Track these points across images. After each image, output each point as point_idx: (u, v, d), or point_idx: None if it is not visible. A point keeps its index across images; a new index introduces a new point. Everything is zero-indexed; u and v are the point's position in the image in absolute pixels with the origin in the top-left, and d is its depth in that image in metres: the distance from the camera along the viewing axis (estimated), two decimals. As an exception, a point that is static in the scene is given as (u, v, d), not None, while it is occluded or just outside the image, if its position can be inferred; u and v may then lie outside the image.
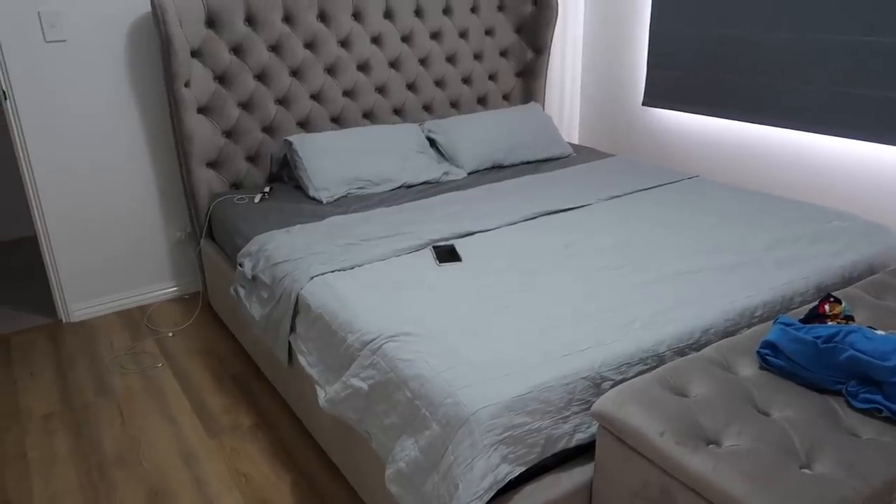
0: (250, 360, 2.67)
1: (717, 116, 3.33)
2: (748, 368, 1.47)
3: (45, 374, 2.62)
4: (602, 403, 1.37)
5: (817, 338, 1.35)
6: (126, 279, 3.13)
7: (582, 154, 3.41)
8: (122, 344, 2.83)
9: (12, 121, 2.73)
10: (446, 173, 3.04)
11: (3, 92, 2.69)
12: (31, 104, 2.73)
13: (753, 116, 3.17)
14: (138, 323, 3.01)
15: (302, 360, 1.95)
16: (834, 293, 1.65)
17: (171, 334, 2.90)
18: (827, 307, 1.47)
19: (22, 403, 2.44)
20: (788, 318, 1.46)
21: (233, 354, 2.73)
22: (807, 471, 1.17)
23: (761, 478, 1.14)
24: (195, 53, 2.79)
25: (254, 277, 2.28)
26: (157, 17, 2.62)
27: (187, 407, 2.38)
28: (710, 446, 1.23)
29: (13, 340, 2.89)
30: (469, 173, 3.12)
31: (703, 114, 3.40)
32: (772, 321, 1.65)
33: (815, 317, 1.49)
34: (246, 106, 2.97)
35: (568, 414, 1.48)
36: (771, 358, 1.42)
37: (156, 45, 2.91)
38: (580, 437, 1.49)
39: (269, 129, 3.05)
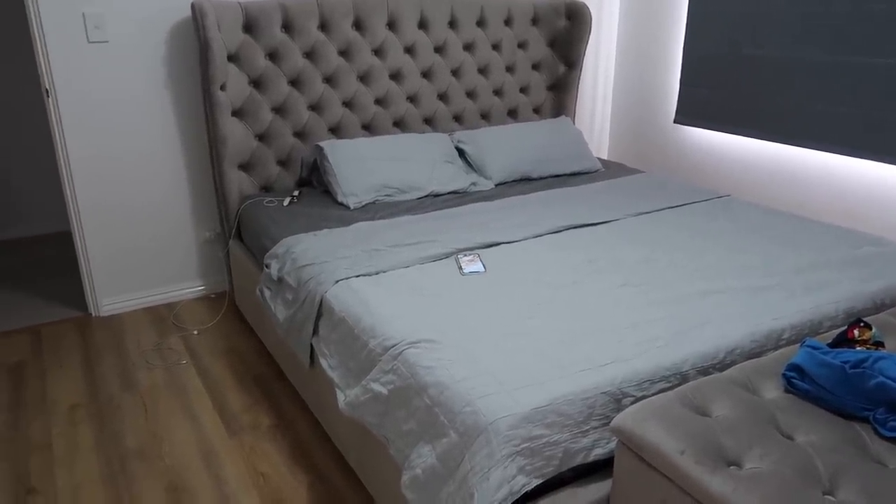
0: (272, 361, 2.70)
1: (750, 136, 3.30)
2: (773, 391, 1.45)
3: (74, 366, 2.67)
4: (622, 419, 1.36)
5: (845, 363, 1.33)
6: (155, 276, 3.19)
7: (611, 169, 3.40)
8: (149, 340, 2.88)
9: (53, 118, 2.80)
10: (474, 184, 3.05)
11: (47, 89, 2.76)
12: (72, 102, 2.81)
13: (786, 137, 3.13)
14: (165, 320, 3.06)
15: (323, 362, 1.97)
16: (864, 318, 1.62)
17: (196, 332, 2.94)
18: (856, 332, 1.44)
19: (49, 394, 2.49)
20: (816, 342, 1.44)
21: (256, 354, 2.76)
22: (830, 497, 1.15)
23: (782, 502, 1.12)
24: (232, 58, 2.85)
25: (280, 279, 2.30)
26: (197, 22, 2.68)
27: (209, 405, 2.41)
28: (731, 468, 1.22)
29: (44, 332, 2.95)
30: (496, 184, 3.13)
31: (735, 133, 3.37)
32: (798, 344, 1.63)
33: (843, 341, 1.46)
34: (279, 110, 3.02)
35: (587, 428, 1.47)
36: (796, 381, 1.40)
37: (194, 49, 2.97)
38: (599, 452, 1.47)
39: (300, 134, 3.09)
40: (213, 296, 3.30)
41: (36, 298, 3.26)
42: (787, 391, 1.43)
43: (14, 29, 3.80)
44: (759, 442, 1.27)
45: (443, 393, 1.50)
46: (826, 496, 1.15)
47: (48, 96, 2.77)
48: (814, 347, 1.41)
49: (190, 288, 3.28)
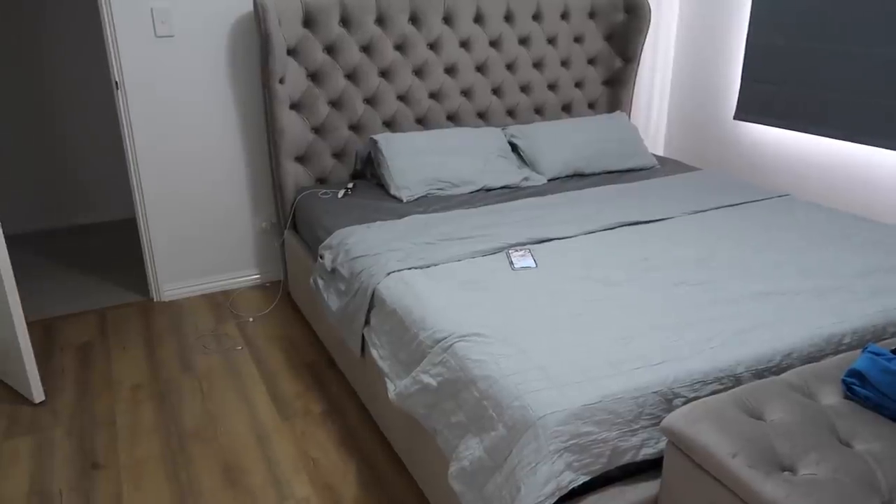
0: (324, 350, 2.76)
1: (813, 133, 3.19)
2: (831, 397, 1.41)
3: (136, 348, 2.79)
4: (673, 419, 1.34)
5: (910, 370, 1.28)
6: (213, 264, 3.29)
7: (667, 166, 3.34)
8: (206, 325, 2.98)
9: (122, 109, 2.91)
10: (526, 178, 3.04)
11: (116, 82, 2.88)
12: (139, 95, 2.92)
13: (851, 135, 3.02)
14: (222, 306, 3.15)
15: (374, 352, 2.00)
16: (932, 325, 1.55)
17: (251, 319, 3.02)
18: (923, 339, 1.39)
19: (114, 374, 2.60)
20: (878, 348, 1.39)
21: (308, 343, 2.82)
22: (889, 508, 1.12)
23: (838, 510, 1.09)
24: (291, 52, 2.91)
25: (333, 270, 2.35)
26: (258, 16, 2.75)
27: (263, 389, 2.48)
28: (785, 473, 1.19)
29: (109, 315, 3.09)
30: (549, 180, 3.11)
31: (797, 130, 3.26)
32: (859, 350, 1.58)
33: (908, 348, 1.41)
34: (335, 104, 3.07)
35: (636, 427, 1.46)
36: (857, 388, 1.36)
37: (255, 43, 3.04)
38: (647, 452, 1.46)
39: (355, 128, 3.14)
40: (267, 284, 3.39)
41: (103, 282, 3.41)
42: (846, 398, 1.39)
43: (86, 23, 3.97)
44: (816, 448, 1.24)
45: (492, 387, 1.51)
46: (885, 506, 1.12)
47: (117, 89, 2.89)
48: (876, 353, 1.36)
49: (246, 276, 3.38)
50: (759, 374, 1.59)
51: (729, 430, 1.28)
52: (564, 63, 3.57)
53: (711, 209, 2.66)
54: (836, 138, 3.10)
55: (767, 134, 3.46)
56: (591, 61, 3.64)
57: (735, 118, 3.57)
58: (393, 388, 1.85)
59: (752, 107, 3.46)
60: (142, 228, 3.11)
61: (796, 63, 3.19)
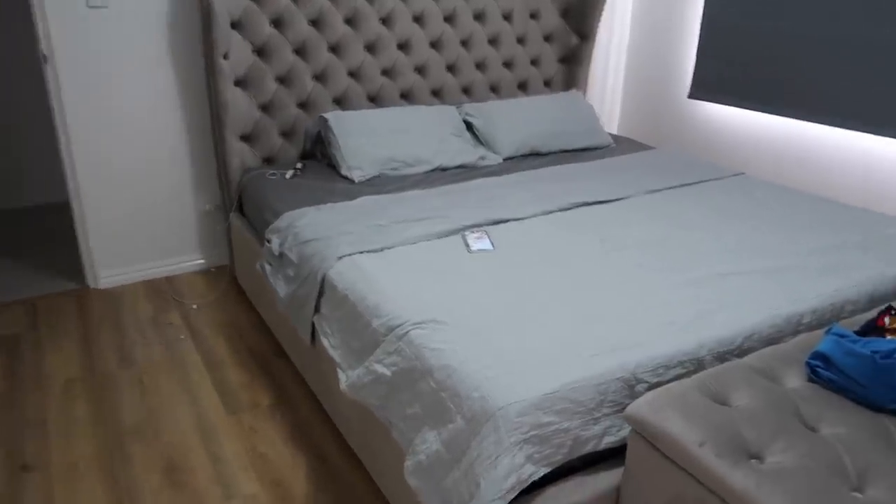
0: (273, 337, 2.64)
1: (767, 112, 3.19)
2: (795, 379, 1.38)
3: (70, 340, 2.62)
4: (637, 407, 1.29)
5: (875, 352, 1.25)
6: (154, 249, 3.12)
7: (622, 145, 3.30)
8: (147, 314, 2.82)
9: (51, 85, 2.71)
10: (482, 158, 2.96)
11: (44, 55, 2.67)
12: (71, 69, 2.72)
13: (805, 114, 3.03)
14: (164, 293, 3.00)
15: (325, 341, 1.91)
16: None
17: (195, 307, 2.88)
18: (887, 320, 1.37)
19: (45, 368, 2.44)
20: (843, 329, 1.36)
21: (256, 330, 2.70)
22: (858, 495, 1.09)
23: (808, 499, 1.06)
24: (235, 25, 2.75)
25: (281, 255, 2.23)
26: (197, -15, 2.58)
27: (208, 382, 2.36)
28: (753, 461, 1.15)
29: (40, 304, 2.90)
30: (505, 159, 3.04)
31: (752, 109, 3.26)
32: (819, 330, 1.56)
33: (872, 329, 1.39)
34: (283, 80, 2.93)
35: (598, 415, 1.40)
36: (821, 370, 1.33)
37: (196, 15, 2.87)
38: (609, 440, 1.41)
39: (304, 105, 3.00)
40: (212, 270, 3.24)
41: (33, 270, 3.20)
42: (810, 380, 1.36)
43: (11, -8, 3.70)
44: (783, 434, 1.20)
45: (449, 377, 1.44)
46: (854, 493, 1.09)
47: (45, 62, 2.69)
48: (841, 335, 1.34)
49: (189, 261, 3.22)
50: (722, 356, 1.56)
51: (695, 417, 1.23)
52: (520, 40, 3.48)
53: (668, 188, 2.63)
54: (789, 117, 3.11)
55: (721, 113, 3.45)
56: (547, 38, 3.57)
57: (690, 97, 3.56)
58: (345, 379, 1.76)
59: (707, 86, 3.45)
60: (75, 212, 2.92)
61: (751, 42, 3.18)
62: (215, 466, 1.96)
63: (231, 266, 3.15)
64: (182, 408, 2.22)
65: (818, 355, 1.34)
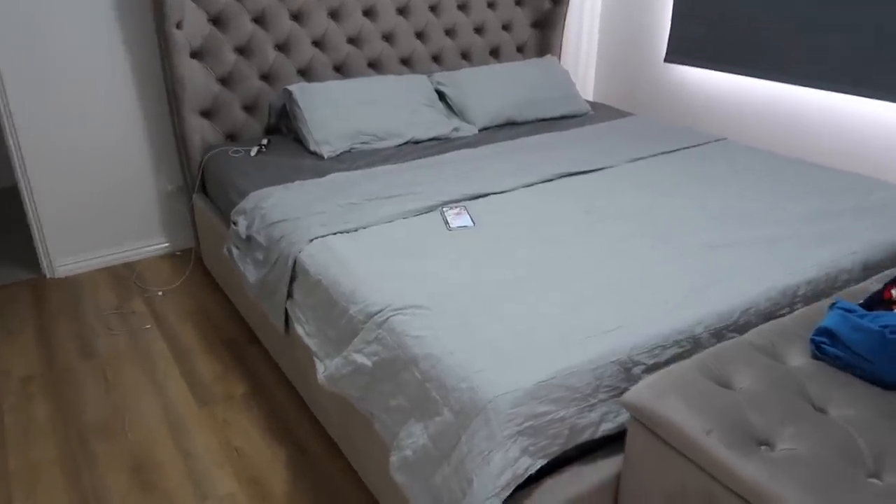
0: (244, 323, 2.52)
1: (747, 75, 3.11)
2: (798, 357, 1.31)
3: (26, 334, 2.47)
4: (637, 394, 1.22)
5: (884, 327, 1.19)
6: (114, 233, 2.96)
7: (600, 112, 3.21)
8: (109, 303, 2.67)
9: (-11, 60, 2.52)
10: (456, 129, 2.84)
11: (-22, 27, 2.47)
12: (11, 45, 2.52)
13: (786, 76, 2.96)
14: (126, 280, 2.84)
15: (299, 329, 1.80)
16: None
17: (160, 293, 2.74)
18: (894, 292, 1.31)
19: (0, 364, 2.29)
20: (848, 303, 1.30)
21: (226, 316, 2.57)
22: (876, 481, 1.02)
23: (825, 489, 0.99)
24: (187, -10, 2.56)
25: (248, 238, 2.11)
26: (145, -52, 2.39)
27: (176, 373, 2.24)
28: (763, 448, 1.08)
29: (-6, 296, 2.73)
30: (480, 130, 2.92)
31: (731, 72, 3.18)
32: (818, 303, 1.50)
33: (878, 302, 1.33)
34: (243, 51, 2.76)
35: (595, 401, 1.33)
36: (827, 346, 1.26)
37: (145, -19, 2.68)
38: (607, 427, 1.34)
39: (267, 77, 2.84)
40: (178, 253, 3.09)
41: (-15, 259, 3.02)
42: (814, 357, 1.30)
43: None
44: (792, 418, 1.13)
45: (434, 366, 1.35)
46: (871, 479, 1.03)
47: (-19, 35, 2.48)
48: (847, 310, 1.27)
49: (153, 245, 3.06)
50: (719, 333, 1.49)
51: (698, 403, 1.16)
52: (491, 4, 3.34)
53: (649, 156, 2.55)
54: (770, 80, 3.04)
55: (699, 76, 3.37)
56: (518, 2, 3.43)
57: (666, 60, 3.47)
58: (322, 370, 1.66)
59: (683, 48, 3.36)
60: (25, 197, 2.74)
61: (728, 1, 3.08)
62: (187, 463, 1.85)
63: (197, 249, 3.01)
64: (149, 402, 2.10)
65: (823, 331, 1.27)
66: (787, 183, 2.26)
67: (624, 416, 1.34)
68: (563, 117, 3.10)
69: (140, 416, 2.04)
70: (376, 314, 1.52)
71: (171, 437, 1.95)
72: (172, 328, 2.49)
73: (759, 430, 1.12)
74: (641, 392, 1.21)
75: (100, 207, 2.89)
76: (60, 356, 2.33)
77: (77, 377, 2.22)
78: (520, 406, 1.24)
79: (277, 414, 2.05)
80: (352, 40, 2.99)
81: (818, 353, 1.29)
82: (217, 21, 2.66)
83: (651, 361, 1.39)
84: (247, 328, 2.49)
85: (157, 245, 3.07)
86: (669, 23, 3.39)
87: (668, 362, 1.41)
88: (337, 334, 1.65)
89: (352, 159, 2.52)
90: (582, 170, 2.36)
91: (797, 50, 2.87)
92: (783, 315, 1.60)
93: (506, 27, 3.45)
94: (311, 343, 1.74)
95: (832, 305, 1.31)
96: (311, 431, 1.98)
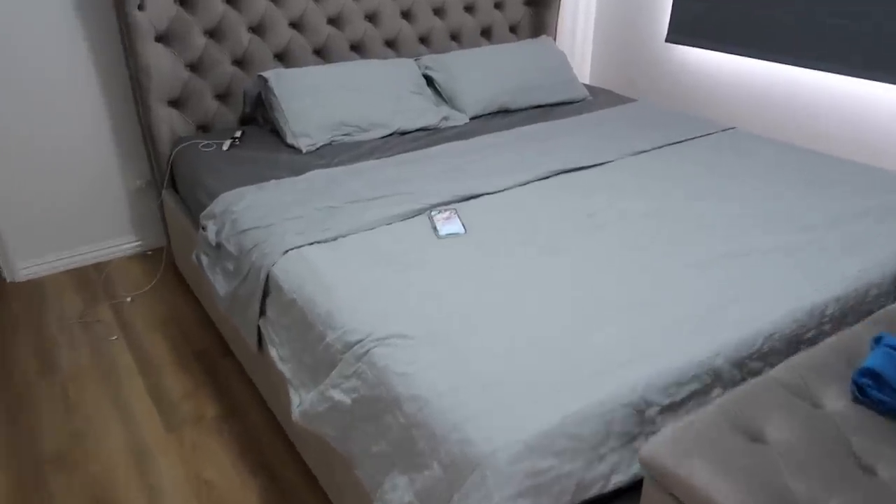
0: (218, 334, 2.34)
1: (754, 57, 2.92)
2: (836, 399, 1.15)
3: (-17, 345, 2.29)
4: (655, 449, 1.05)
5: (941, 371, 1.03)
6: (80, 232, 2.76)
7: (599, 98, 3.01)
8: (74, 309, 2.48)
9: (-69, 46, 2.29)
10: (446, 118, 2.64)
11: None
12: (-46, 26, 2.30)
13: (796, 58, 2.76)
14: (94, 284, 2.65)
15: (273, 352, 1.62)
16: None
17: (129, 299, 2.55)
18: (948, 327, 1.14)
19: (-47, 381, 2.11)
20: (894, 339, 1.13)
21: (198, 324, 2.39)
22: (941, 567, 0.87)
23: (885, 582, 0.83)
24: (149, -32, 2.34)
25: (218, 245, 1.92)
26: (100, -78, 2.16)
27: (143, 391, 2.06)
28: (805, 522, 0.93)
29: (-51, 302, 2.54)
30: (471, 118, 2.72)
31: (736, 53, 2.98)
32: (850, 328, 1.34)
33: (928, 337, 1.17)
34: (213, 34, 2.54)
35: (604, 451, 1.16)
36: (872, 390, 1.10)
37: (103, -42, 2.45)
38: (618, 480, 1.18)
39: (241, 63, 2.62)
40: (149, 253, 2.89)
41: (-58, 260, 2.82)
42: (855, 400, 1.14)
43: None
44: (837, 483, 0.97)
45: (421, 409, 1.18)
46: (936, 565, 0.87)
47: (-78, 19, 2.25)
48: (893, 347, 1.10)
49: (123, 244, 2.86)
50: (740, 363, 1.33)
51: (729, 464, 1.00)
52: (482, -20, 3.12)
53: (654, 149, 2.36)
54: (775, 62, 2.85)
55: (703, 58, 3.17)
56: (511, -22, 3.21)
57: (667, 41, 3.26)
58: (297, 404, 1.48)
59: (686, 27, 3.16)
60: (-20, 195, 2.53)
61: (736, -22, 2.88)
62: (152, 500, 1.68)
63: (168, 248, 2.81)
64: (113, 426, 1.93)
65: (868, 372, 1.11)
66: (803, 179, 2.09)
67: (637, 467, 1.18)
68: (559, 104, 2.91)
69: (101, 442, 1.87)
70: (356, 345, 1.34)
71: (136, 468, 1.78)
72: (140, 338, 2.31)
73: (801, 499, 0.95)
74: (660, 448, 1.05)
75: (65, 205, 2.68)
76: (17, 372, 2.15)
77: (35, 398, 2.04)
78: (520, 462, 1.08)
79: (251, 437, 1.88)
80: (332, 21, 2.77)
81: (859, 395, 1.12)
82: (184, 1, 2.44)
83: (667, 401, 1.23)
84: (220, 337, 2.31)
85: (128, 244, 2.87)
86: (671, 0, 3.18)
87: (684, 401, 1.25)
88: (313, 361, 1.47)
89: (333, 153, 2.33)
90: (582, 165, 2.18)
91: (807, 30, 2.68)
92: (809, 338, 1.45)
93: (498, 6, 3.23)
94: (284, 369, 1.57)
95: (877, 339, 1.15)
96: (286, 456, 1.81)
